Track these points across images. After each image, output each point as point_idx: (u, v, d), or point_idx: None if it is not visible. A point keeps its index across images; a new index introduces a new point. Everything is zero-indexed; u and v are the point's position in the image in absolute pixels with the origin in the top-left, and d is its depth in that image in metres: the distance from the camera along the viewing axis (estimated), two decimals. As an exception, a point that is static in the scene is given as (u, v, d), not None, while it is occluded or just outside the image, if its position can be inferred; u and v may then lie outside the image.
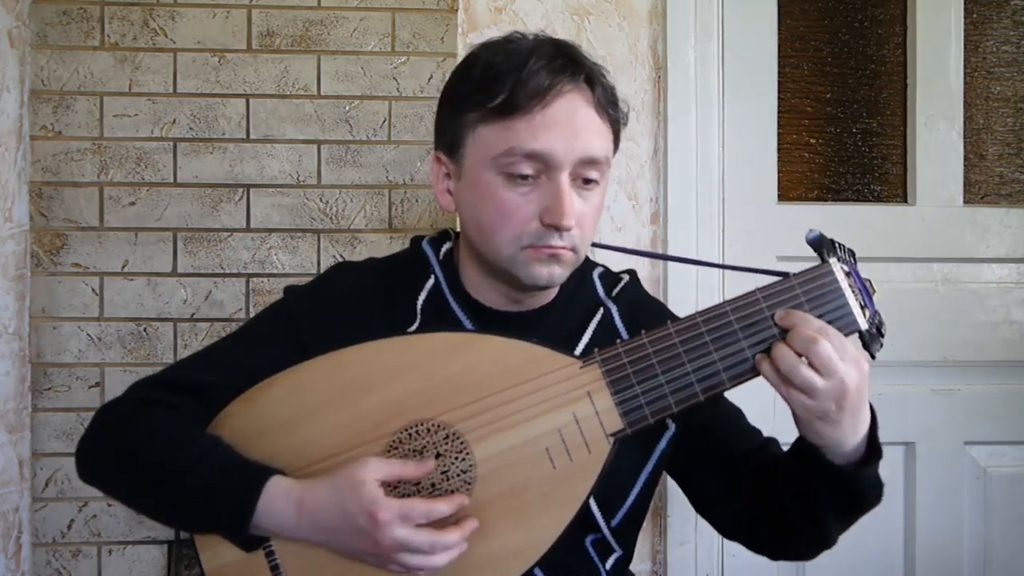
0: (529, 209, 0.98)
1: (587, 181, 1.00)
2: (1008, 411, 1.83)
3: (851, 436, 0.93)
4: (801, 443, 0.99)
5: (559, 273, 1.01)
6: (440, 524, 0.92)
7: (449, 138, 1.04)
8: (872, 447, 0.96)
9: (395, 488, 0.96)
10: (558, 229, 0.98)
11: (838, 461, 0.95)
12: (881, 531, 1.79)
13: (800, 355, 0.90)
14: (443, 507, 0.92)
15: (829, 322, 0.93)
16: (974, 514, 1.82)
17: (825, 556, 1.59)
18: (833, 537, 1.04)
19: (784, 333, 0.92)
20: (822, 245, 0.97)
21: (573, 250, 1.01)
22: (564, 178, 0.98)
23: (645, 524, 1.74)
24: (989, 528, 1.83)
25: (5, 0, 1.62)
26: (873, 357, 0.95)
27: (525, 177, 0.98)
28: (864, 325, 0.95)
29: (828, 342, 0.89)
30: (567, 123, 0.97)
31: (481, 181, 1.00)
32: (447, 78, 1.07)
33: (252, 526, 0.95)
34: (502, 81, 0.97)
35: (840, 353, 0.90)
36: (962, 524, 1.82)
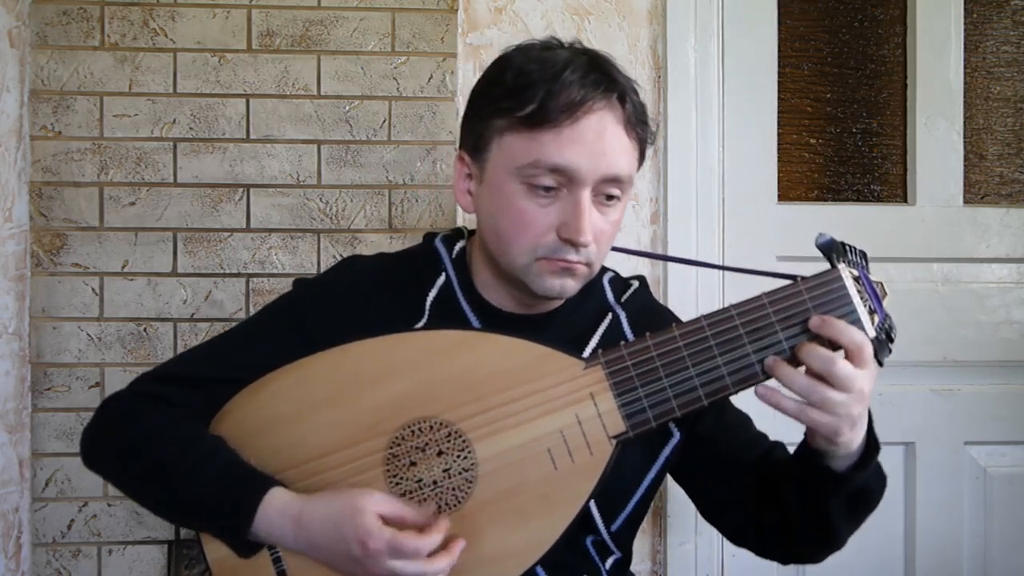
0: (547, 221, 0.98)
1: (609, 197, 1.00)
2: (1008, 411, 1.82)
3: (854, 441, 0.94)
4: (802, 449, 0.99)
5: (571, 286, 1.01)
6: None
7: (474, 140, 1.03)
8: (870, 444, 0.97)
9: (397, 484, 0.96)
10: (574, 245, 0.98)
11: (841, 465, 0.96)
12: (881, 531, 1.79)
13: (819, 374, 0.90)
14: (432, 540, 0.92)
15: None
16: (974, 514, 1.82)
17: (825, 556, 1.56)
18: (843, 538, 1.04)
19: (794, 340, 0.92)
20: (832, 250, 0.95)
21: (588, 265, 1.01)
22: (585, 195, 0.97)
23: (645, 524, 1.75)
24: (989, 528, 1.83)
25: (5, 0, 1.62)
26: (881, 364, 0.94)
27: (547, 189, 0.97)
28: (872, 333, 0.93)
29: (847, 362, 0.89)
30: (595, 141, 0.97)
31: (503, 188, 1.00)
32: (481, 74, 1.07)
33: (251, 534, 0.96)
34: (534, 90, 0.96)
35: (858, 364, 0.89)
36: (962, 524, 1.82)
